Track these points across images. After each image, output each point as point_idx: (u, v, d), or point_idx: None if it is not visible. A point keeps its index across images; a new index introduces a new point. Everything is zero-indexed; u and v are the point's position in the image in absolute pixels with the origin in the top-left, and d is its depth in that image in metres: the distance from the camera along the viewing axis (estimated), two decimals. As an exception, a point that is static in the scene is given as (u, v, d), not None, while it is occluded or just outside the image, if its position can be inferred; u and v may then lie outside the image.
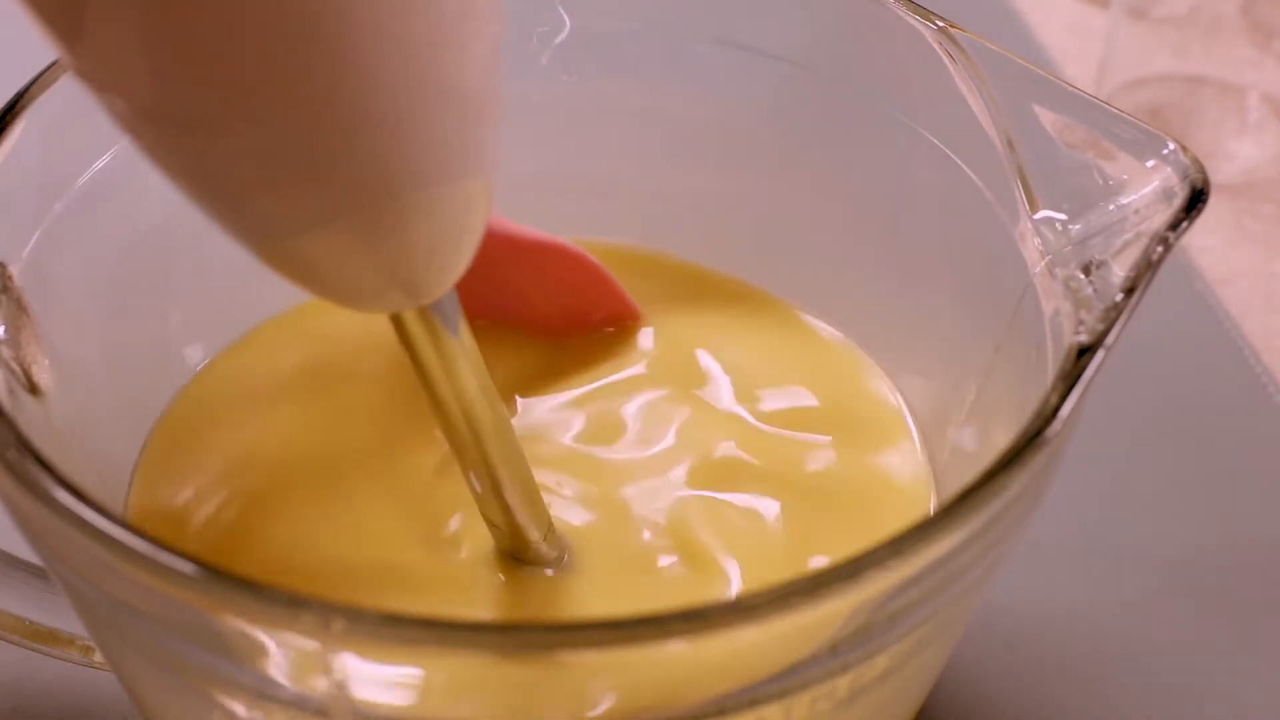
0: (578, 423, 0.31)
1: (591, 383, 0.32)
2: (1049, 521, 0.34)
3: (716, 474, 0.30)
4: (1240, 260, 0.44)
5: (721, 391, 0.32)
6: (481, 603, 0.26)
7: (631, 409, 0.31)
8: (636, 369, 0.32)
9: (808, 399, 0.32)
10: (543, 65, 0.33)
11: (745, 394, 0.32)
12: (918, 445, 0.31)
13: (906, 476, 0.31)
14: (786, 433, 0.31)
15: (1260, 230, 0.45)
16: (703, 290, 0.34)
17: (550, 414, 0.31)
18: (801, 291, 0.34)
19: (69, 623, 0.27)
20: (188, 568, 0.18)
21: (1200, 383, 0.40)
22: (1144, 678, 0.33)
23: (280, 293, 0.33)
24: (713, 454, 0.30)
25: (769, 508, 0.29)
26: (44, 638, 0.27)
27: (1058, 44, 0.53)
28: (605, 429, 0.31)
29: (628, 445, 0.30)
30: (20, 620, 0.27)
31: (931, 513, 0.27)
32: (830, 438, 0.31)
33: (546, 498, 0.27)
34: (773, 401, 0.32)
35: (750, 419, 0.31)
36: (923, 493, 0.30)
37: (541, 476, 0.28)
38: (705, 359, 0.32)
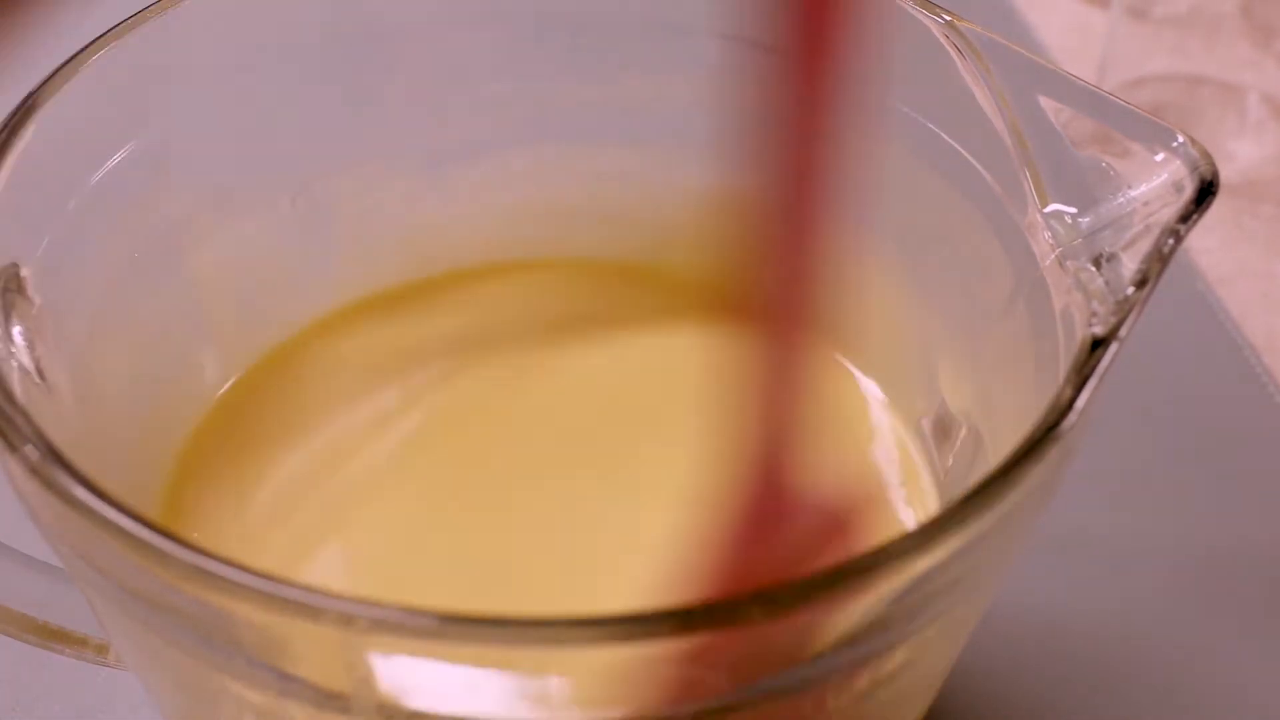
0: None
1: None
2: (1050, 521, 0.34)
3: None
4: (1240, 260, 0.45)
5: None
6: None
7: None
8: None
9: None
10: (542, 65, 0.33)
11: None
12: (916, 447, 0.31)
13: (903, 478, 0.31)
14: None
15: (1260, 230, 0.45)
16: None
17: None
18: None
19: (82, 621, 0.27)
20: (210, 564, 0.18)
21: (1200, 383, 0.40)
22: (1144, 676, 0.33)
23: (295, 299, 0.33)
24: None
25: None
26: (57, 636, 0.27)
27: (1057, 43, 0.53)
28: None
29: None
30: (33, 619, 0.27)
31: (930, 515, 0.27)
32: (823, 440, 0.31)
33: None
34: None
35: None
36: (917, 493, 0.30)
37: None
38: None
